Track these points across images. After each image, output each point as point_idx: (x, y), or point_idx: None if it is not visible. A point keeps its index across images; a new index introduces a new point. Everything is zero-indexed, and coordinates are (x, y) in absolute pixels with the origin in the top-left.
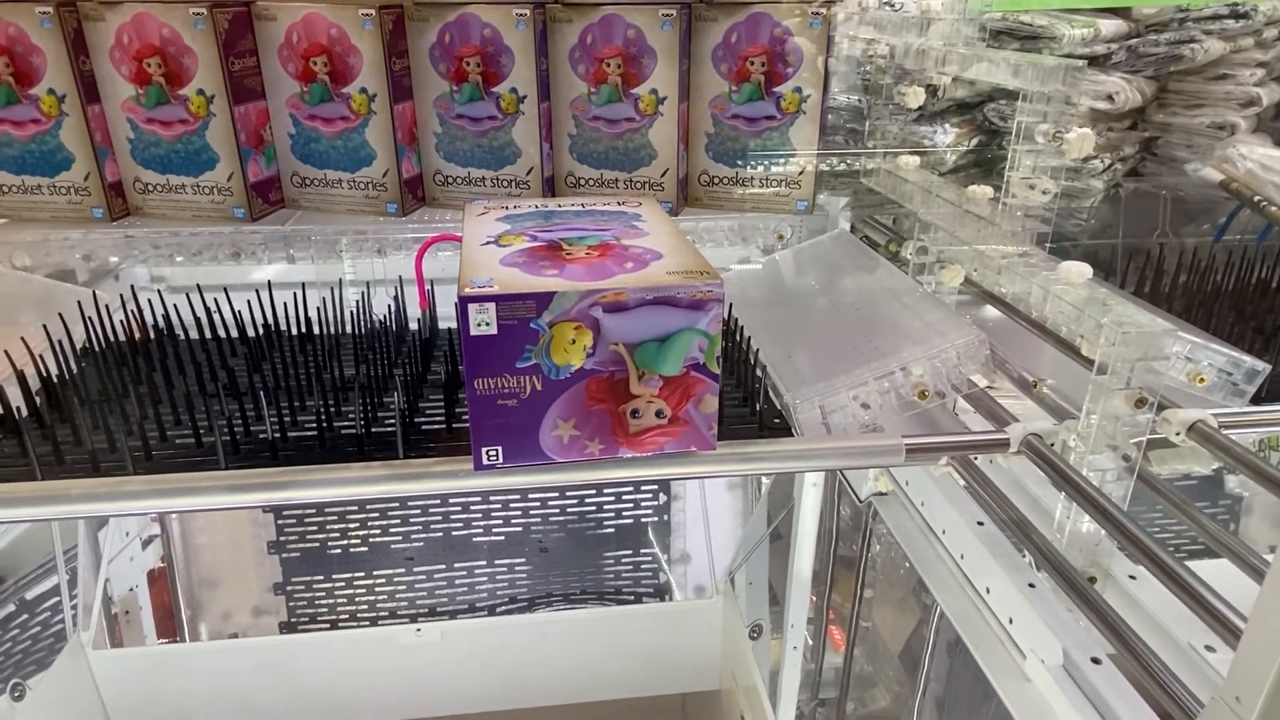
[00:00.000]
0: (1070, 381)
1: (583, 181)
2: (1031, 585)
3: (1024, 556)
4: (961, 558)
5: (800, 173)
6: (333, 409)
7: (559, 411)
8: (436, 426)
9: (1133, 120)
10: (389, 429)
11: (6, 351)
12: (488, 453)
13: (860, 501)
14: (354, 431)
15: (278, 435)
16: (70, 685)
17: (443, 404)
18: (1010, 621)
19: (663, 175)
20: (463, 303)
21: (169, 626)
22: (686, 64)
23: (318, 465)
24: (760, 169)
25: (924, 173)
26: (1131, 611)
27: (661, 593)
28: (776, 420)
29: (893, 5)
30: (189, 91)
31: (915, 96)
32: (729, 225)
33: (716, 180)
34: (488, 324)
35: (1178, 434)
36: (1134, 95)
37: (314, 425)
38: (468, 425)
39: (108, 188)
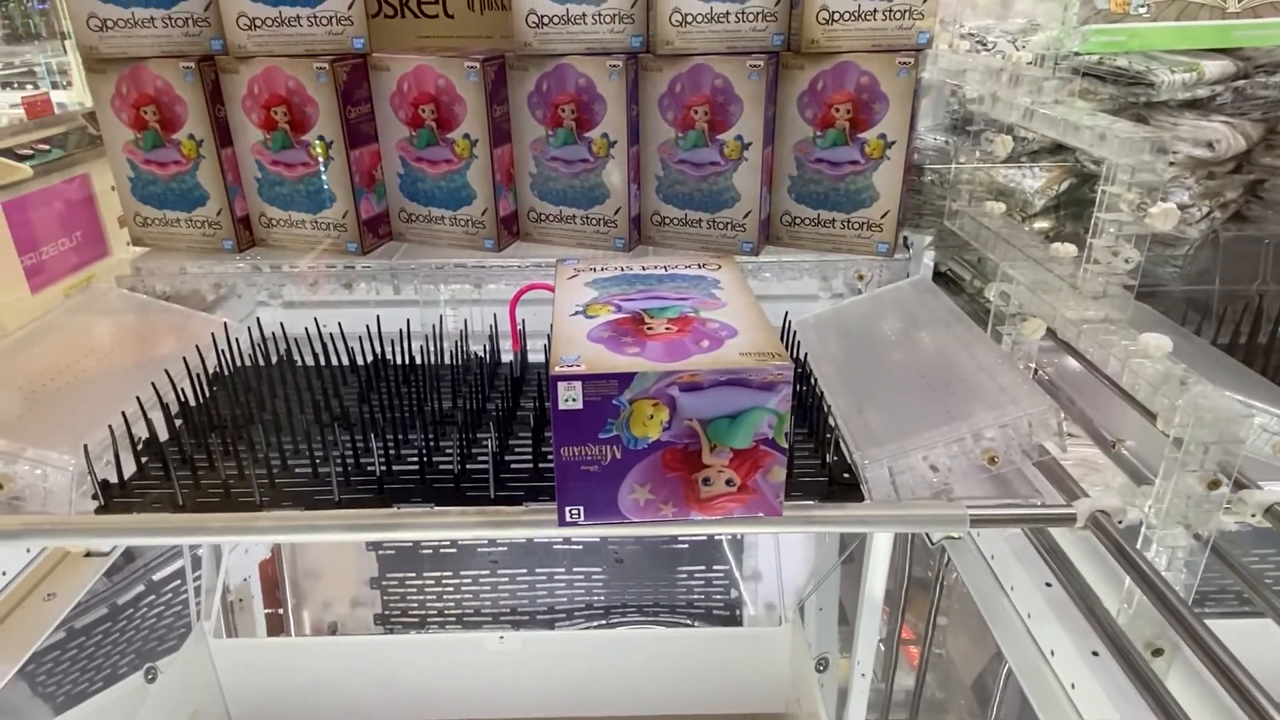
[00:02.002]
0: (1151, 444)
1: (667, 220)
2: (1095, 654)
3: (1089, 624)
4: (1028, 616)
5: (883, 215)
6: (432, 443)
7: (636, 478)
8: (524, 465)
9: (1237, 162)
10: (482, 465)
11: (154, 383)
12: (570, 511)
13: (932, 544)
14: (451, 468)
15: (384, 469)
16: (193, 671)
17: (531, 442)
18: (1073, 687)
19: (745, 216)
20: (553, 381)
21: (276, 614)
22: (772, 110)
23: (420, 509)
24: (842, 211)
25: (1009, 220)
26: (1195, 688)
27: (732, 608)
28: (846, 475)
29: (984, 44)
30: (311, 137)
31: (1003, 145)
32: (809, 264)
33: (799, 220)
34: (574, 400)
35: (1254, 515)
36: (1237, 141)
37: (415, 459)
38: (552, 465)
39: (236, 222)
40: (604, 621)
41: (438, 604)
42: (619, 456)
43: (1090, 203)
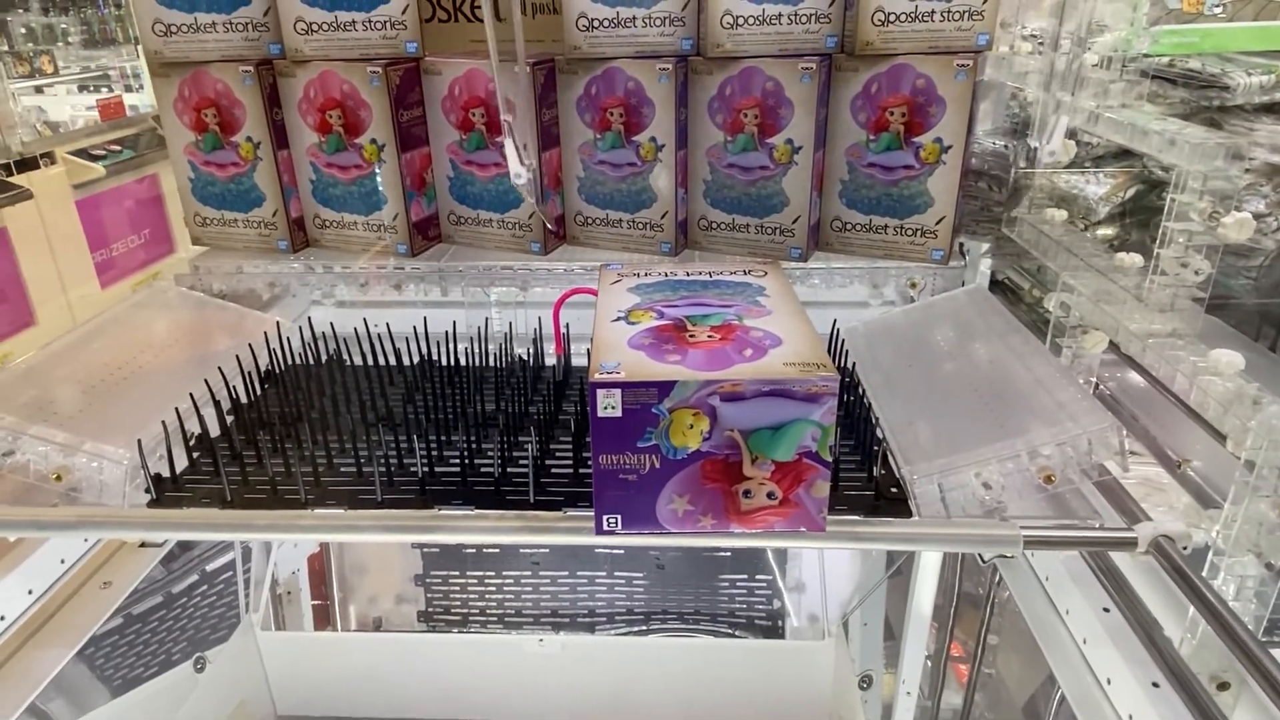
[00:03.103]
0: (1219, 466)
1: (715, 225)
2: (1155, 685)
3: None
4: (1084, 642)
5: (938, 222)
6: (474, 445)
7: (675, 488)
8: (565, 469)
9: None
10: (523, 469)
11: (206, 380)
12: (608, 519)
13: (984, 562)
14: (492, 470)
15: (426, 470)
16: (241, 662)
17: (571, 447)
18: (1130, 718)
19: (794, 221)
20: (592, 388)
21: (323, 607)
22: (824, 113)
23: (460, 512)
24: (895, 217)
25: (1071, 229)
26: None
27: (774, 618)
28: (893, 490)
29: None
30: (364, 140)
31: (1066, 151)
32: (859, 271)
33: (849, 226)
34: (613, 407)
35: None
36: None
37: (457, 460)
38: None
39: (291, 223)
40: (644, 627)
41: (480, 603)
42: (658, 466)
43: (1157, 210)
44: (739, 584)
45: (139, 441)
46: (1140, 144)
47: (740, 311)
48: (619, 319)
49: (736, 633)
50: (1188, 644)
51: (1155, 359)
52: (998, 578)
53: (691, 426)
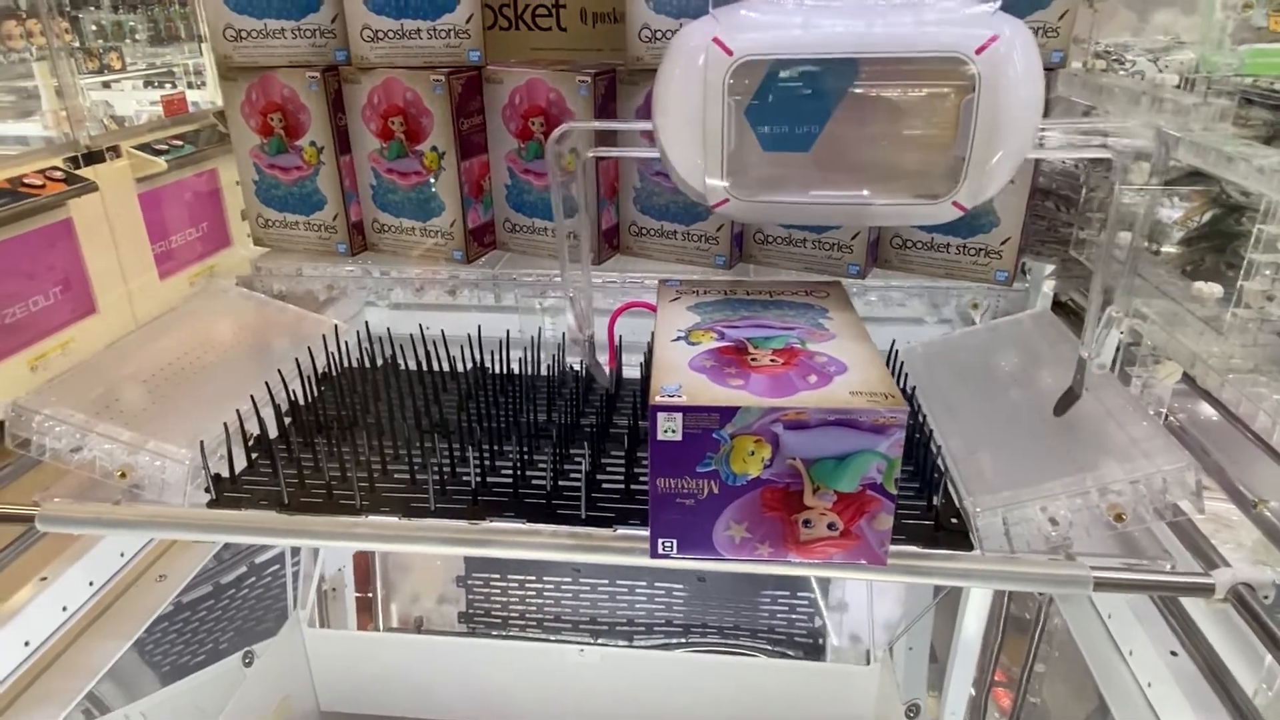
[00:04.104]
0: None
1: (771, 239)
2: None
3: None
4: (1149, 686)
5: (1003, 242)
6: (526, 456)
7: (733, 514)
8: (616, 485)
9: None
10: (575, 482)
11: (267, 382)
12: (663, 543)
13: (1040, 594)
14: (544, 483)
15: (479, 480)
16: (287, 658)
17: (624, 462)
18: None
19: (853, 238)
20: (652, 411)
21: (366, 604)
22: None
23: (513, 526)
24: (958, 236)
25: (1142, 252)
26: None
27: (815, 637)
28: (954, 520)
29: (1121, 63)
30: (424, 147)
31: (1140, 173)
32: (919, 290)
33: (910, 244)
34: (674, 431)
35: None
36: None
37: (509, 471)
38: (644, 487)
39: (350, 227)
40: (683, 640)
41: (520, 607)
42: (716, 491)
43: (1234, 236)
44: (780, 601)
45: (201, 443)
46: (1225, 170)
47: (803, 335)
48: (679, 339)
49: (776, 650)
50: (1262, 694)
51: (1235, 395)
52: (1049, 603)
53: (753, 453)
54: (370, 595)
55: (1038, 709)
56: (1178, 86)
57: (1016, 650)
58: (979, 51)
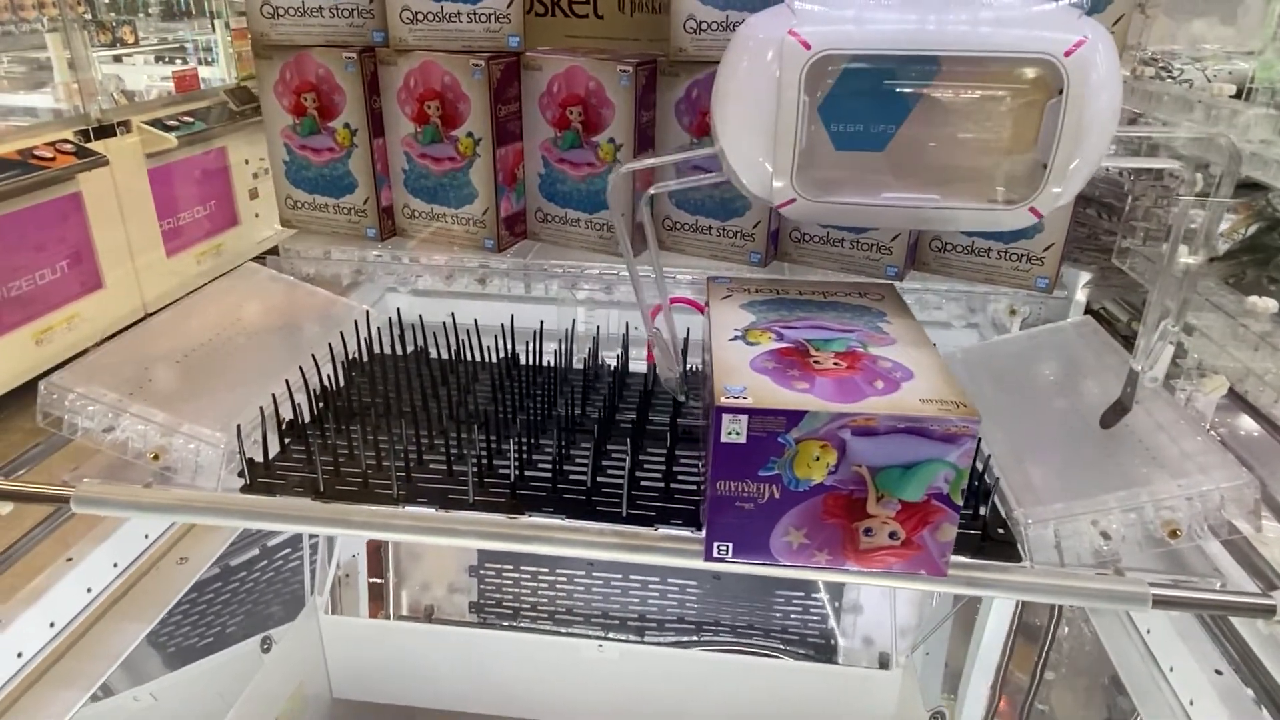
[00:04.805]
0: None
1: (807, 238)
2: None
3: None
4: (1190, 704)
5: (1046, 249)
6: (564, 451)
7: (792, 520)
8: (655, 483)
9: None
10: (613, 479)
11: (300, 367)
12: (719, 546)
13: (1071, 608)
14: (582, 479)
15: (517, 474)
16: (304, 644)
17: (663, 459)
18: None
19: (892, 240)
20: (717, 412)
21: (378, 590)
22: None
23: (557, 523)
24: (1000, 241)
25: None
26: None
27: (827, 638)
28: (1000, 530)
29: (1169, 71)
30: (460, 133)
31: (1191, 183)
32: (956, 295)
33: (950, 247)
34: (738, 434)
35: None
36: None
37: (547, 465)
38: (683, 486)
39: (381, 211)
40: (695, 637)
41: (532, 599)
42: (777, 496)
43: (1277, 250)
44: (794, 602)
45: (238, 427)
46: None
47: (864, 338)
48: (736, 338)
49: (788, 649)
50: None
51: None
52: (1058, 612)
53: (818, 459)
54: (382, 582)
55: (1046, 716)
56: (1234, 96)
57: (1025, 659)
58: (1068, 54)
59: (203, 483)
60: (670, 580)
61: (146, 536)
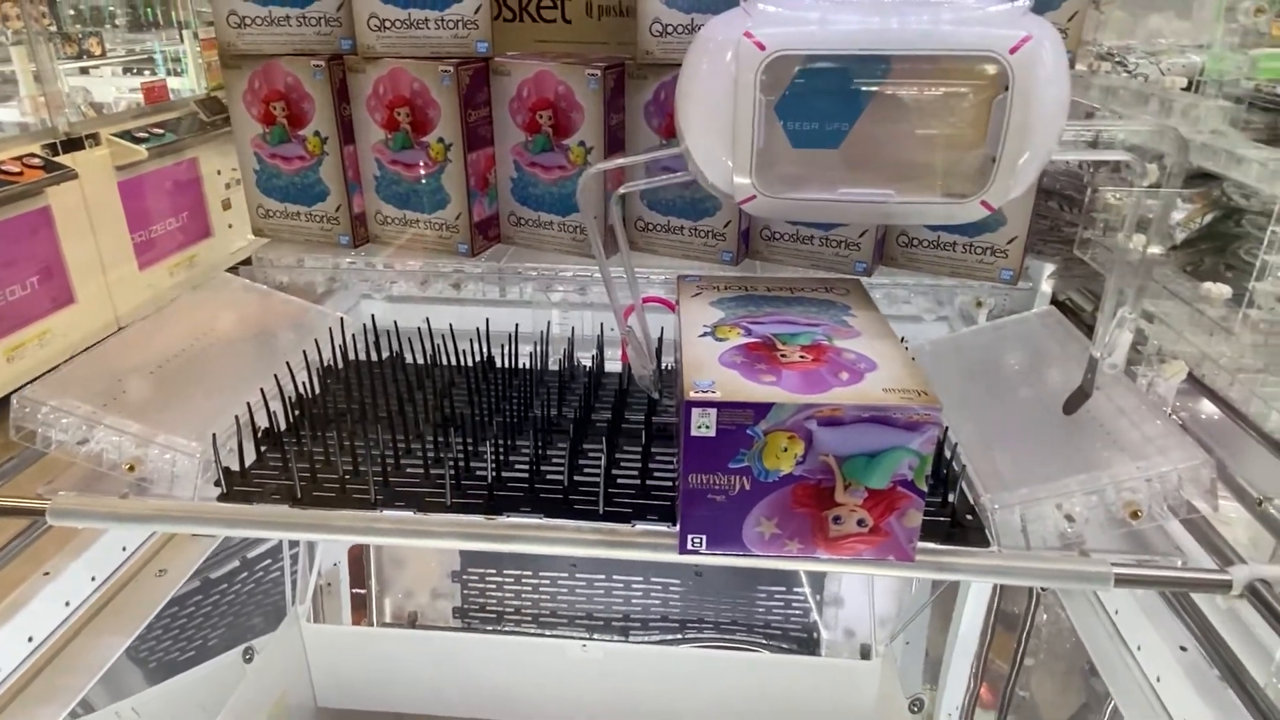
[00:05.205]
0: None
1: (779, 235)
2: None
3: (1233, 695)
4: (1158, 680)
5: (1009, 241)
6: (541, 452)
7: (763, 510)
8: (631, 480)
9: None
10: (589, 478)
11: (275, 375)
12: (692, 539)
13: (1043, 589)
14: (560, 478)
15: (494, 476)
16: (286, 654)
17: (639, 457)
18: None
19: (860, 235)
20: (687, 407)
21: (360, 599)
22: None
23: (535, 522)
24: (964, 234)
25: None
26: None
27: (809, 631)
28: (969, 517)
29: (1125, 66)
30: (430, 139)
31: (1148, 174)
32: (924, 288)
33: (916, 242)
34: (708, 427)
35: None
36: None
37: (524, 466)
38: (659, 483)
39: (353, 218)
40: (679, 635)
41: (515, 602)
42: (748, 488)
43: (1234, 238)
44: (776, 596)
45: (214, 436)
46: (1234, 171)
47: (829, 331)
48: (705, 334)
49: (771, 644)
50: (1272, 689)
51: (1244, 393)
52: (1035, 599)
53: (785, 450)
54: (364, 591)
55: (1026, 702)
56: (1185, 89)
57: (1004, 647)
58: (1013, 51)
59: (179, 493)
60: (653, 579)
61: (124, 549)
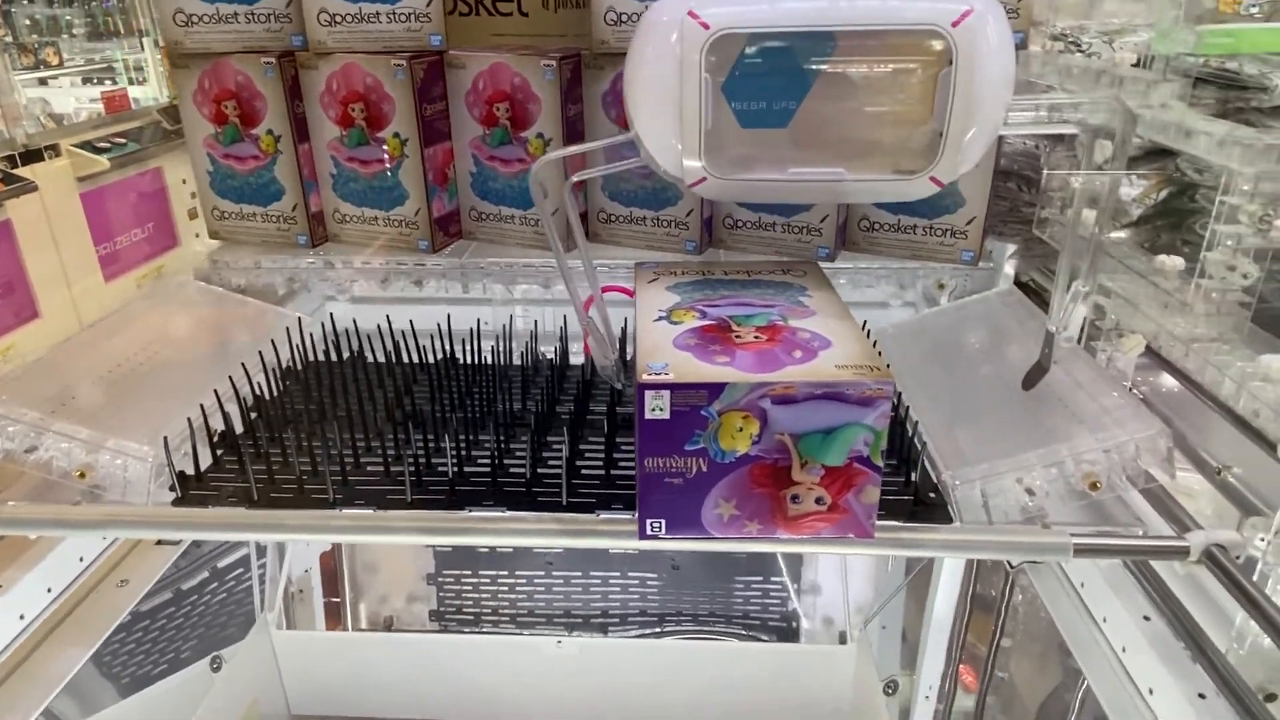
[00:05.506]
0: (1259, 470)
1: (741, 224)
2: (1202, 696)
3: (1195, 662)
4: (1123, 650)
5: (968, 222)
6: (503, 445)
7: (721, 492)
8: (596, 470)
9: None
10: (553, 469)
11: (230, 377)
12: (651, 524)
13: (1011, 567)
14: (522, 471)
15: (456, 470)
16: (256, 661)
17: (602, 447)
18: None
19: (822, 220)
20: (640, 389)
21: (334, 606)
22: None
23: (496, 515)
24: (924, 217)
25: (1106, 229)
26: None
27: (788, 620)
28: (932, 495)
29: (1079, 46)
30: (386, 134)
31: (1101, 150)
32: (887, 272)
33: (878, 226)
34: (662, 409)
35: None
36: None
37: (487, 460)
38: (624, 472)
39: (311, 217)
40: (658, 630)
41: (492, 603)
42: (705, 469)
43: (1189, 213)
44: (754, 586)
45: (165, 439)
46: (1185, 145)
47: (784, 312)
48: (660, 319)
49: (750, 635)
50: (1234, 654)
51: (1199, 363)
52: (1011, 580)
53: (741, 429)
54: (338, 597)
55: (1005, 683)
56: (1135, 65)
57: (982, 630)
58: (955, 25)
59: (133, 498)
60: (631, 574)
61: (81, 559)
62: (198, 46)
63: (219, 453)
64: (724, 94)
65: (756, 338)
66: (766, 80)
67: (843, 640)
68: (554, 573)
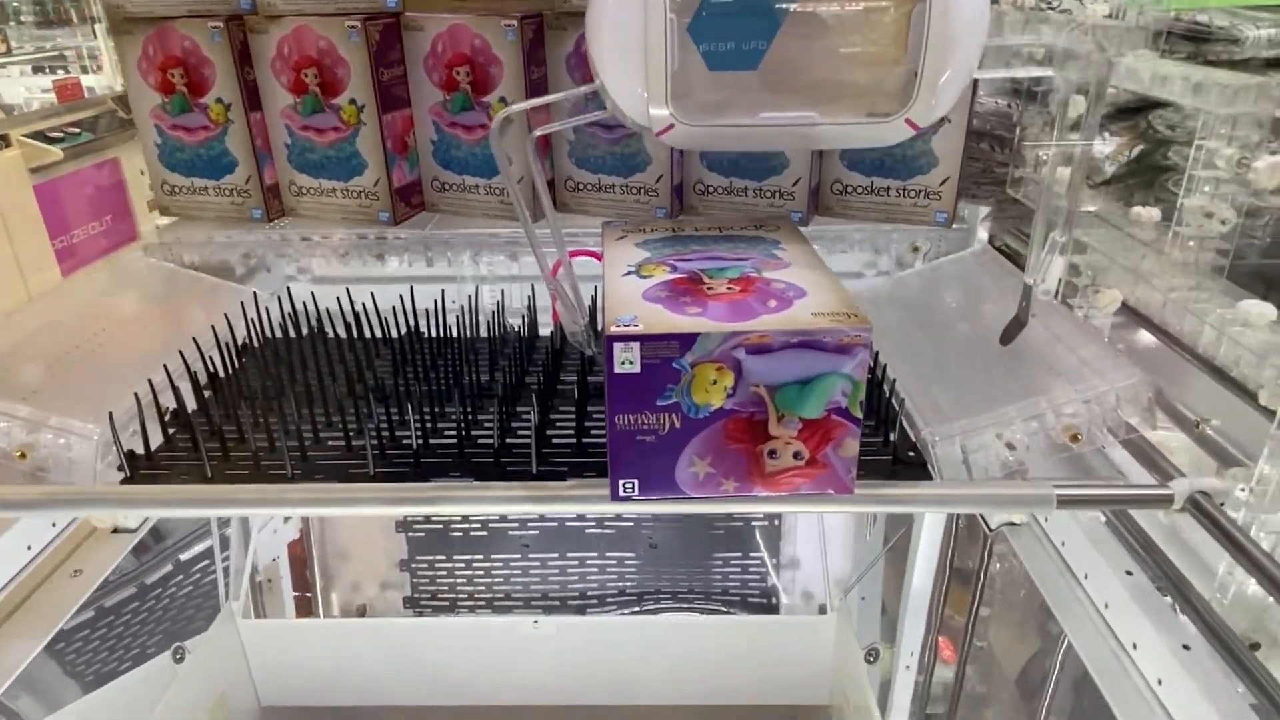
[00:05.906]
0: (1238, 422)
1: (711, 189)
2: (1186, 647)
3: (1178, 614)
4: (1105, 607)
5: (942, 183)
6: (470, 417)
7: (696, 449)
8: (567, 440)
9: None
10: (523, 440)
11: (181, 352)
12: (624, 484)
13: (990, 530)
14: (491, 441)
15: (420, 443)
16: (222, 652)
17: (573, 416)
18: (1159, 683)
19: (794, 184)
20: (608, 342)
21: (305, 596)
22: None
23: (462, 483)
24: (897, 179)
25: (1081, 184)
26: None
27: (768, 595)
28: (911, 454)
29: (1051, 5)
30: (342, 101)
31: (1075, 106)
32: (861, 235)
33: (850, 189)
34: (631, 363)
35: None
36: None
37: (454, 431)
38: (596, 440)
39: (266, 190)
40: (637, 608)
41: (468, 587)
42: (678, 426)
43: (1161, 170)
44: (732, 562)
45: (110, 415)
46: (1162, 90)
47: (758, 264)
48: (630, 273)
49: (731, 610)
50: (1217, 604)
51: (1177, 313)
52: (989, 548)
53: (715, 382)
54: (308, 587)
55: (984, 651)
56: (1107, 17)
57: (960, 602)
58: None
59: (78, 480)
60: (609, 554)
61: (29, 548)
62: (141, 10)
63: (171, 431)
64: (690, 34)
65: (729, 289)
66: (735, 20)
67: (822, 611)
68: (530, 555)
